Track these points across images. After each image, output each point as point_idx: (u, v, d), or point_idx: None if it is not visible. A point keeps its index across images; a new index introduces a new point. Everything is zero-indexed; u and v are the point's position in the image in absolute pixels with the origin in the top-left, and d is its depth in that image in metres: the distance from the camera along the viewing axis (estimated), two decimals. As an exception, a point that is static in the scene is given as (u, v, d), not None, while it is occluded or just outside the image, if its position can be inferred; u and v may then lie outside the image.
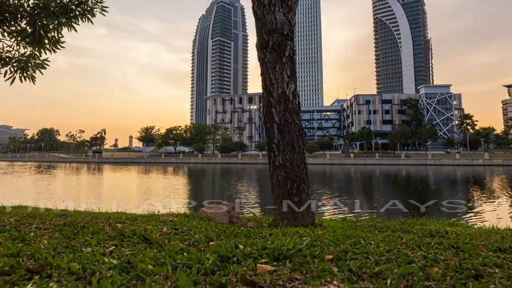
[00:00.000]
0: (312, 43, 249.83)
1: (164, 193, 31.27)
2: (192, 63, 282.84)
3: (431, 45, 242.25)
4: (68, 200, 25.04)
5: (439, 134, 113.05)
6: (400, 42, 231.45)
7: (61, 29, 7.45)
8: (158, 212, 14.54)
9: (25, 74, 7.49)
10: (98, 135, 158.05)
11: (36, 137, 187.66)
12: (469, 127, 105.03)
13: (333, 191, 35.00)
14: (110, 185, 41.27)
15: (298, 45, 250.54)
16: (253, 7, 5.33)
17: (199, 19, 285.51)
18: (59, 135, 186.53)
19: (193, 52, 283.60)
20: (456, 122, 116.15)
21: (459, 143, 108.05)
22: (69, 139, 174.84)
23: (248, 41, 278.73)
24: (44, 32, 7.41)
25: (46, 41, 7.46)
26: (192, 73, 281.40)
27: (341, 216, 20.70)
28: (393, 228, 3.58)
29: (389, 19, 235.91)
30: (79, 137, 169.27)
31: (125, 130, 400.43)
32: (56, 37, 7.47)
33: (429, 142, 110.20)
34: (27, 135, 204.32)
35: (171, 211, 13.37)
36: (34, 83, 7.77)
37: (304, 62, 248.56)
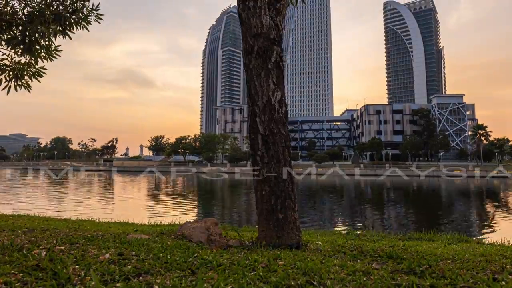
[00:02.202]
0: (322, 52, 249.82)
1: (173, 203, 31.07)
2: (202, 73, 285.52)
3: (444, 54, 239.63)
4: (80, 208, 25.00)
5: (452, 145, 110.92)
6: (411, 51, 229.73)
7: (55, 37, 7.33)
8: (160, 222, 14.27)
9: (19, 83, 7.37)
10: (109, 144, 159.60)
11: (49, 145, 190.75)
12: (482, 138, 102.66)
13: (342, 201, 34.34)
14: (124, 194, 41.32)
15: (308, 54, 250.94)
16: (238, 10, 5.05)
17: (209, 29, 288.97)
18: (72, 143, 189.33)
19: (203, 62, 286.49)
20: (469, 132, 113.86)
21: (472, 154, 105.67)
22: (81, 148, 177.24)
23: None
24: (35, 39, 7.27)
25: (39, 49, 7.34)
26: (202, 83, 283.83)
27: (355, 223, 20.14)
28: (380, 252, 3.17)
29: (400, 28, 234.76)
30: (91, 146, 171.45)
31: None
32: (48, 45, 7.36)
33: (441, 153, 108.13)
34: (41, 143, 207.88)
35: (173, 221, 13.08)
36: (29, 91, 7.64)
37: (314, 72, 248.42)
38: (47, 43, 7.27)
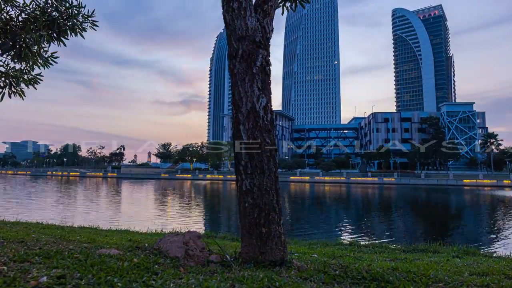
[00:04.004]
0: (329, 60, 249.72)
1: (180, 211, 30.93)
2: (210, 81, 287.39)
3: (453, 61, 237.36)
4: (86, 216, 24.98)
5: (462, 154, 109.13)
6: (420, 59, 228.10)
7: (49, 44, 7.25)
8: (161, 230, 14.00)
9: (13, 90, 7.27)
10: (118, 151, 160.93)
11: (59, 152, 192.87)
12: (493, 147, 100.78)
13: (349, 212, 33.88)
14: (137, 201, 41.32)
15: (316, 62, 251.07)
16: (222, 12, 4.82)
17: (217, 37, 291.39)
18: (81, 150, 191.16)
19: (210, 70, 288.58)
20: (480, 141, 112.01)
21: (482, 163, 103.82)
22: (89, 155, 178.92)
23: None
24: (26, 45, 7.16)
25: (31, 56, 7.23)
26: (210, 91, 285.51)
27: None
28: (365, 274, 2.87)
29: (409, 35, 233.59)
30: (99, 153, 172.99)
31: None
32: (40, 51, 7.26)
33: (451, 162, 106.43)
34: (51, 150, 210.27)
35: (174, 230, 12.78)
36: (23, 98, 7.53)
37: (321, 80, 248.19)
38: (39, 49, 7.18)
